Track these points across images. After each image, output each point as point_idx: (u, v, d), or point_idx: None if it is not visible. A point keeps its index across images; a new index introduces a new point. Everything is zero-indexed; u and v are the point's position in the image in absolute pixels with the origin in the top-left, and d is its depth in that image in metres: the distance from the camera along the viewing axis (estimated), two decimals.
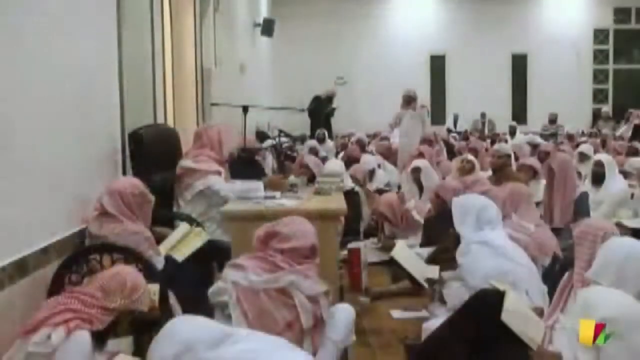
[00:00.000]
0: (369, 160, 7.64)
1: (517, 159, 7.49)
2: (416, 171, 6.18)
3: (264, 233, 3.09)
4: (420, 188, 6.09)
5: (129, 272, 2.68)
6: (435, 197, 5.01)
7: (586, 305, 2.59)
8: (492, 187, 4.85)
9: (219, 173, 4.46)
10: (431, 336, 3.16)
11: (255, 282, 2.96)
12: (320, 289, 3.01)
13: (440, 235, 4.17)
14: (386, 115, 10.67)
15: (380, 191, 7.03)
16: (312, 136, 11.26)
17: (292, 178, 5.04)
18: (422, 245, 4.99)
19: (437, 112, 15.26)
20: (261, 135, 9.83)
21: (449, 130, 14.11)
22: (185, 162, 4.44)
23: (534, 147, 8.88)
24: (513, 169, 6.85)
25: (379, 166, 7.83)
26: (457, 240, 3.76)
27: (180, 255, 3.65)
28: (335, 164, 6.48)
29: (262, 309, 2.93)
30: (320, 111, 12.48)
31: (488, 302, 2.94)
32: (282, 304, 2.94)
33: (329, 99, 12.91)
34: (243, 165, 5.73)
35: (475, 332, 2.90)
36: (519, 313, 2.87)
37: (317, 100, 12.80)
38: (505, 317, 2.77)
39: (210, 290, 3.14)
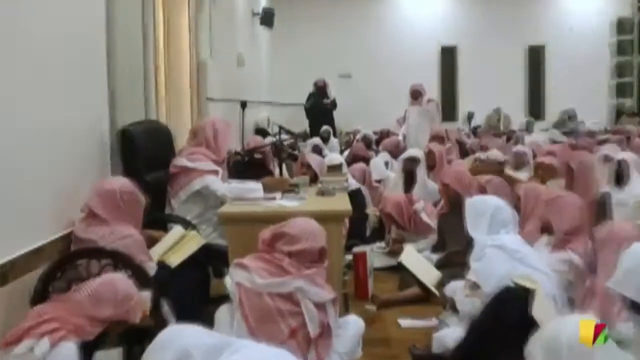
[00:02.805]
0: (379, 170, 7.55)
1: (534, 156, 7.47)
2: (413, 161, 6.18)
3: (271, 235, 3.08)
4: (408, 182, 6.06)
5: (121, 280, 2.66)
6: (443, 186, 4.98)
7: None
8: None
9: (216, 173, 4.43)
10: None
11: (259, 285, 2.94)
12: (328, 296, 3.00)
13: (455, 228, 4.13)
14: (393, 111, 10.65)
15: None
16: (311, 134, 11.20)
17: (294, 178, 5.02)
18: (435, 247, 4.97)
19: (448, 107, 15.20)
20: (261, 132, 9.81)
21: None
22: (180, 161, 4.42)
23: (555, 143, 8.89)
24: (531, 166, 6.88)
25: (386, 164, 7.78)
26: (469, 243, 3.74)
27: (174, 261, 3.63)
28: (336, 156, 6.81)
29: (265, 314, 2.92)
30: (315, 107, 12.38)
31: (513, 298, 2.94)
32: (287, 310, 2.94)
33: (321, 90, 12.71)
34: (248, 166, 5.70)
35: (494, 332, 2.90)
36: (546, 308, 2.87)
37: (310, 96, 12.73)
38: (535, 312, 2.78)
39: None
